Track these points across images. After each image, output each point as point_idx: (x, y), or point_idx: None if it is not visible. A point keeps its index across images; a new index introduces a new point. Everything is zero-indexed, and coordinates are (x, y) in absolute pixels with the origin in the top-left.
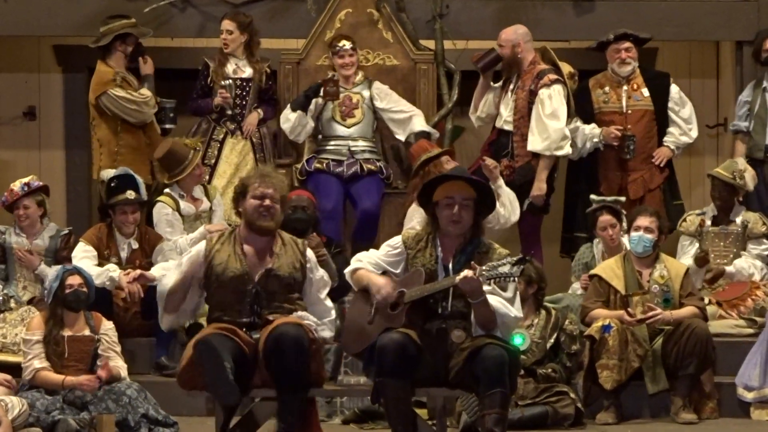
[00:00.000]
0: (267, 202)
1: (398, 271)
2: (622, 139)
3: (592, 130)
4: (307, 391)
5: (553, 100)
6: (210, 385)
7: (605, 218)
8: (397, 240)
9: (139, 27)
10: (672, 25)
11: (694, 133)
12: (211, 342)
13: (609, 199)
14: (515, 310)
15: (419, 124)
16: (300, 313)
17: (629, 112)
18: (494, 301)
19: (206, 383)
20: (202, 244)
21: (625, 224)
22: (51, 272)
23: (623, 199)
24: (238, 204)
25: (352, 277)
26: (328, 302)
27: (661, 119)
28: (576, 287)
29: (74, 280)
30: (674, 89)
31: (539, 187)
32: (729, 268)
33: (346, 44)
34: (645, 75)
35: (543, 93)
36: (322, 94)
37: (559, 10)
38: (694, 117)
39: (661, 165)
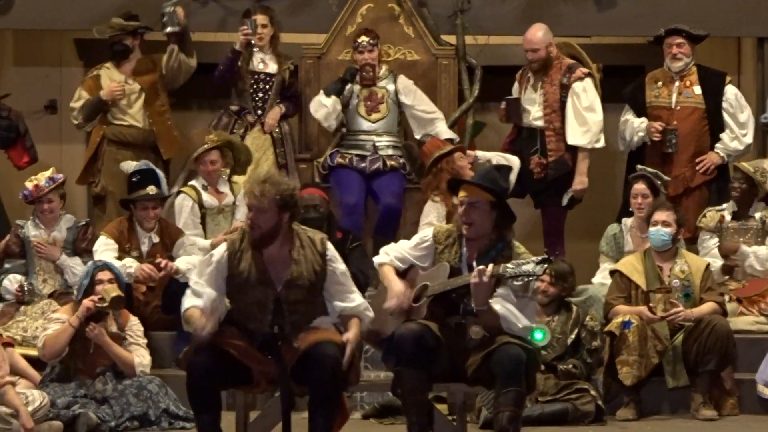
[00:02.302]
0: (252, 217)
1: (426, 264)
2: (663, 133)
3: (640, 124)
4: (343, 396)
5: (588, 92)
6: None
7: (639, 186)
8: (428, 233)
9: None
10: (693, 21)
11: (748, 139)
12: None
13: (650, 170)
14: (524, 320)
15: (444, 130)
16: (318, 320)
17: (678, 108)
18: (503, 309)
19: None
20: (222, 253)
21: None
22: (81, 268)
23: (667, 178)
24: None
25: (379, 269)
26: (355, 289)
27: (714, 119)
28: (599, 278)
29: (104, 276)
30: (731, 90)
31: (582, 181)
32: (745, 248)
33: (365, 39)
34: (701, 72)
35: (577, 86)
36: (358, 79)
37: (581, 6)
38: (752, 122)
39: (707, 172)
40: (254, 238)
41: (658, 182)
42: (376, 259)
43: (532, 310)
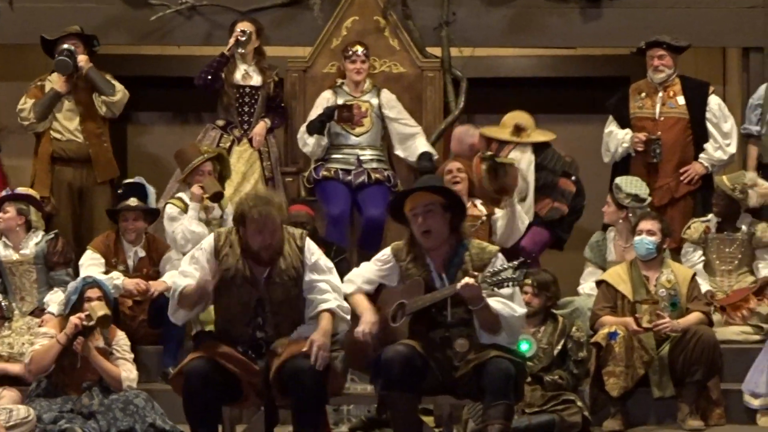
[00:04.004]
0: (267, 239)
1: (394, 284)
2: (647, 143)
3: (625, 135)
4: (324, 408)
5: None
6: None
7: (607, 196)
8: (386, 253)
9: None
10: (678, 31)
11: (732, 149)
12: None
13: (619, 182)
14: (518, 308)
15: (422, 144)
16: (299, 330)
17: (662, 118)
18: (495, 303)
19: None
20: (210, 242)
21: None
22: (70, 284)
23: (634, 193)
24: (237, 226)
25: (348, 300)
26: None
27: (697, 129)
28: (585, 287)
29: (93, 293)
30: (714, 101)
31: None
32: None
33: (359, 49)
34: (684, 83)
35: None
36: (336, 118)
37: (565, 17)
38: (735, 132)
39: (691, 182)
40: (267, 256)
41: (620, 195)
42: (344, 290)
43: (521, 298)
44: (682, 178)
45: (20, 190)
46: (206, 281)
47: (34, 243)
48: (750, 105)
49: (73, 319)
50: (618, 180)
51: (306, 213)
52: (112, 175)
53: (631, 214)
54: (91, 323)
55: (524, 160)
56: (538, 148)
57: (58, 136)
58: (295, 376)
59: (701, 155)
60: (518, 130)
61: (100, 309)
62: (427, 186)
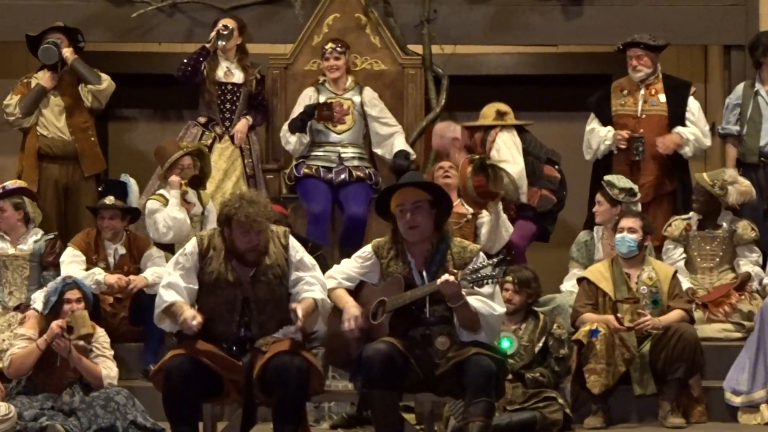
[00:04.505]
0: (253, 240)
1: (375, 281)
2: (630, 140)
3: (607, 133)
4: (305, 407)
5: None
6: (171, 427)
7: (597, 196)
8: (367, 250)
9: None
10: (660, 29)
11: (707, 143)
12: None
13: (610, 179)
14: (498, 306)
15: (400, 143)
16: (284, 330)
17: (643, 116)
18: (475, 301)
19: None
20: (194, 246)
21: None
22: (50, 284)
23: (628, 187)
24: (222, 226)
25: (329, 296)
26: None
27: (676, 127)
28: (567, 285)
29: (73, 295)
30: (694, 104)
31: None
32: (747, 268)
33: (332, 46)
34: (666, 81)
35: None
36: (316, 117)
37: (547, 15)
38: (708, 135)
39: (667, 152)
40: (254, 258)
41: (614, 191)
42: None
43: (501, 297)
44: (660, 148)
45: (10, 184)
46: (190, 327)
47: (33, 240)
48: (727, 105)
49: (54, 327)
50: (608, 177)
51: (280, 212)
52: (99, 169)
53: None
54: (71, 337)
55: (511, 143)
56: (520, 133)
57: (44, 132)
58: (280, 373)
59: (679, 128)
60: (500, 114)
61: (83, 326)
62: (416, 182)
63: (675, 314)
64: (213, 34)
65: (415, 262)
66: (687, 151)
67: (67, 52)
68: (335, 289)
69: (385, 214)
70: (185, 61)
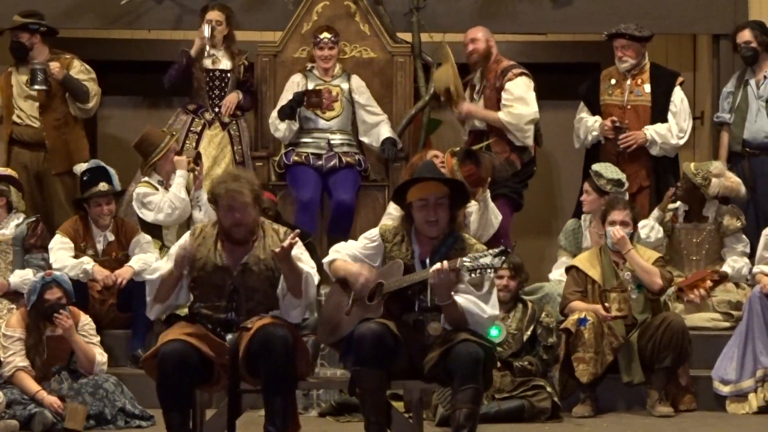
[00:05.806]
0: (237, 215)
1: (376, 264)
2: (615, 130)
3: (594, 122)
4: (294, 391)
5: (518, 87)
6: (163, 413)
7: (585, 185)
8: (374, 232)
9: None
10: (649, 18)
11: (680, 142)
12: (170, 376)
13: (598, 169)
14: (489, 309)
15: (385, 132)
16: (276, 312)
17: (629, 106)
18: (466, 302)
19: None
20: (187, 238)
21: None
22: (30, 281)
23: (616, 178)
24: (211, 204)
25: (329, 267)
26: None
27: (659, 119)
28: (556, 274)
29: (52, 295)
30: (678, 95)
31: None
32: (727, 269)
33: (327, 36)
34: (654, 71)
35: (509, 85)
36: (305, 104)
37: (536, 3)
38: (689, 131)
39: (628, 148)
40: (240, 235)
41: (602, 181)
42: (326, 259)
43: (495, 300)
44: (619, 142)
45: None
46: (182, 257)
47: (14, 224)
48: (723, 93)
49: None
50: (596, 167)
51: (269, 199)
52: (65, 168)
53: None
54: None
55: (524, 86)
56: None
57: (17, 120)
58: (265, 344)
59: (648, 126)
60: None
61: (73, 420)
62: (442, 178)
63: (650, 262)
64: (197, 41)
65: (420, 252)
66: (653, 150)
67: (56, 69)
68: (337, 259)
69: (401, 201)
70: (172, 73)
